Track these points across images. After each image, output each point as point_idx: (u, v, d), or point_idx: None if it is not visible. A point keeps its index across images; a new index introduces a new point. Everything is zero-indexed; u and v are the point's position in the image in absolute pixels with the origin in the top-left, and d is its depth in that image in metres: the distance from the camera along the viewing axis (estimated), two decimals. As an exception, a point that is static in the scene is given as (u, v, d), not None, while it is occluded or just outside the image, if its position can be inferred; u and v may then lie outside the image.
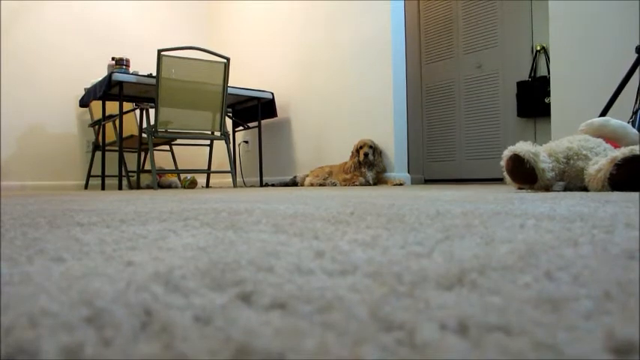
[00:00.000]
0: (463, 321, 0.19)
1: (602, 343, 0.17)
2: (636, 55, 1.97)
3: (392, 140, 3.60)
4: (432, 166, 4.52)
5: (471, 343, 0.17)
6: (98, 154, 4.13)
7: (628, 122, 1.80)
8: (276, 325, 0.19)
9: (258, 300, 0.23)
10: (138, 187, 3.76)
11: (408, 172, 3.72)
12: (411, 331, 0.18)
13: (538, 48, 3.73)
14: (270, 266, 0.31)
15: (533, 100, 3.65)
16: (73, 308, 0.21)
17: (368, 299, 0.23)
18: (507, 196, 1.22)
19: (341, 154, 3.81)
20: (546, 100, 3.32)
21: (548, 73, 3.25)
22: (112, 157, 4.05)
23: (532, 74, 3.76)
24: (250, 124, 4.47)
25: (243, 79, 4.72)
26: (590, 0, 2.55)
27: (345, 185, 3.49)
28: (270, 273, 0.29)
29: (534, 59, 3.76)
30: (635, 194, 1.19)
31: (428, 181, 4.48)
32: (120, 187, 3.61)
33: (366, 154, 3.45)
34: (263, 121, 4.36)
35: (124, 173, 3.82)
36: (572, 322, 0.19)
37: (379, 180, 3.56)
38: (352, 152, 3.59)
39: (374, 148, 3.52)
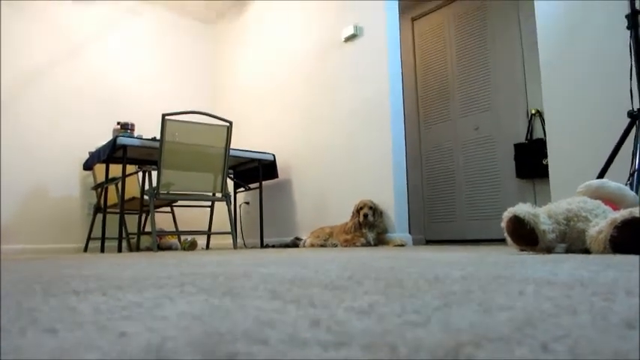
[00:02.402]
0: (456, 398, 0.19)
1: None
2: (629, 119, 2.02)
3: (392, 201, 3.61)
4: (433, 227, 4.51)
5: (463, 423, 0.17)
6: (99, 216, 4.14)
7: (626, 184, 1.82)
8: (265, 403, 0.19)
9: (249, 375, 0.22)
10: (137, 249, 3.74)
11: (410, 233, 3.70)
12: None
13: (533, 112, 3.83)
14: (265, 338, 0.30)
15: (531, 161, 3.70)
16: (61, 386, 0.20)
17: (361, 374, 0.23)
18: (508, 259, 1.21)
19: (342, 214, 3.82)
20: (544, 162, 3.36)
21: (544, 135, 3.32)
22: (112, 220, 4.05)
23: (528, 136, 3.83)
24: (251, 185, 4.51)
25: (245, 140, 4.82)
26: (582, 64, 2.65)
27: (346, 246, 3.46)
28: (264, 345, 0.29)
29: (530, 122, 3.85)
30: (636, 257, 1.18)
31: (429, 242, 4.46)
32: (120, 250, 3.58)
33: (365, 215, 3.46)
34: (264, 182, 4.40)
35: (124, 235, 3.81)
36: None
37: (380, 240, 3.54)
38: (353, 213, 3.59)
39: (374, 209, 3.52)
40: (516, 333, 0.31)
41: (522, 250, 1.63)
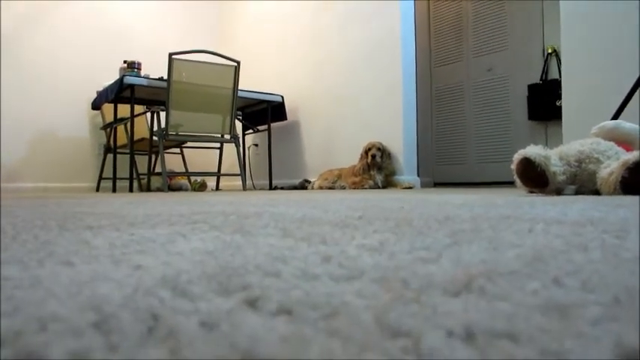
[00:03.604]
0: (470, 328, 0.19)
1: (609, 351, 0.17)
2: (649, 57, 1.95)
3: (401, 143, 3.59)
4: (442, 169, 4.50)
5: (478, 351, 0.17)
6: (109, 156, 4.17)
7: (640, 125, 1.78)
8: (281, 331, 0.19)
9: (264, 306, 0.23)
10: (148, 189, 3.79)
11: (418, 175, 3.71)
12: (417, 338, 0.18)
13: (549, 50, 3.70)
14: (277, 271, 0.31)
15: (545, 103, 3.63)
16: (81, 313, 0.21)
17: (374, 305, 0.23)
18: (517, 200, 1.22)
19: (350, 157, 3.81)
20: (557, 103, 3.29)
21: (560, 75, 3.22)
22: (123, 160, 4.08)
23: (543, 77, 3.73)
24: (260, 128, 4.49)
25: (253, 82, 4.74)
26: (602, 1, 2.53)
27: (355, 188, 3.48)
28: (276, 278, 0.29)
29: (545, 62, 3.73)
30: (647, 198, 1.18)
31: (437, 185, 4.47)
32: (131, 190, 3.64)
33: (373, 156, 3.45)
34: (273, 125, 4.38)
35: (134, 176, 3.85)
36: (580, 330, 0.19)
37: (388, 183, 3.55)
38: (361, 154, 3.59)
39: (382, 150, 3.51)
40: (527, 268, 0.31)
41: (531, 192, 1.63)
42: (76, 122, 4.59)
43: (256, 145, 4.94)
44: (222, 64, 3.58)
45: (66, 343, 0.17)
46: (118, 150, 3.99)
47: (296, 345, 0.17)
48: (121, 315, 0.21)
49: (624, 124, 1.65)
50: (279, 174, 4.57)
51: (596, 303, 0.23)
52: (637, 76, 1.99)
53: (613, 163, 1.44)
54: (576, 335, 0.19)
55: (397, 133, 3.61)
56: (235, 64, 3.60)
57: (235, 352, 0.17)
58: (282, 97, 4.35)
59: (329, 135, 4.20)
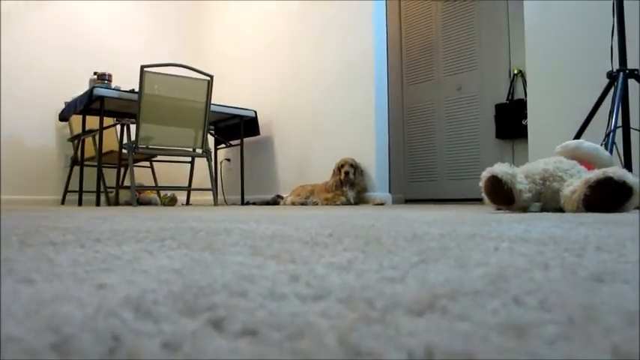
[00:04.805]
0: (430, 348, 0.20)
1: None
2: (608, 80, 2.03)
3: (373, 160, 3.63)
4: (413, 186, 4.56)
5: (436, 371, 0.17)
6: (76, 169, 4.07)
7: (601, 144, 1.85)
8: (244, 352, 0.19)
9: (229, 326, 0.23)
10: (116, 203, 3.71)
11: (390, 192, 3.74)
12: (378, 358, 0.18)
13: (515, 72, 3.83)
14: (244, 291, 0.31)
15: (511, 122, 3.73)
16: (39, 334, 0.20)
17: (338, 325, 0.23)
18: (485, 218, 1.24)
19: (323, 173, 3.83)
20: (523, 122, 3.39)
21: (525, 96, 3.33)
22: (90, 173, 3.99)
23: (510, 97, 3.84)
24: (232, 142, 4.47)
25: (226, 96, 4.73)
26: (565, 26, 2.64)
27: (327, 204, 3.49)
28: (243, 298, 0.29)
29: (512, 82, 3.85)
30: (607, 215, 1.22)
31: (409, 201, 4.52)
32: (98, 204, 3.55)
33: (347, 173, 3.47)
34: (245, 139, 4.36)
35: (102, 189, 3.76)
36: (534, 349, 0.20)
37: (360, 199, 3.57)
38: (334, 171, 3.60)
39: (355, 167, 3.54)
40: (490, 287, 0.32)
41: (499, 209, 1.67)
42: (43, 133, 4.48)
43: (228, 159, 4.91)
44: (195, 78, 3.56)
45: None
46: (86, 162, 3.90)
47: (258, 367, 0.17)
48: (81, 336, 0.20)
49: (585, 143, 1.71)
50: (251, 189, 4.54)
51: (552, 322, 0.24)
52: (597, 98, 2.08)
53: (575, 181, 1.49)
54: (531, 354, 0.19)
55: (369, 150, 3.65)
56: (208, 78, 3.58)
57: (197, 375, 0.17)
58: (255, 112, 4.35)
59: (302, 151, 4.21)
